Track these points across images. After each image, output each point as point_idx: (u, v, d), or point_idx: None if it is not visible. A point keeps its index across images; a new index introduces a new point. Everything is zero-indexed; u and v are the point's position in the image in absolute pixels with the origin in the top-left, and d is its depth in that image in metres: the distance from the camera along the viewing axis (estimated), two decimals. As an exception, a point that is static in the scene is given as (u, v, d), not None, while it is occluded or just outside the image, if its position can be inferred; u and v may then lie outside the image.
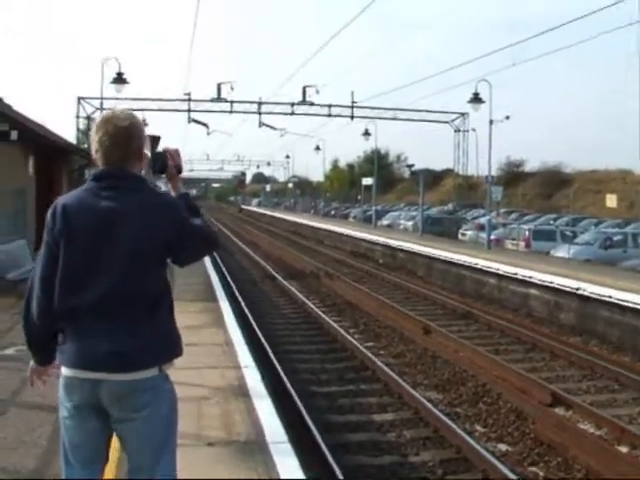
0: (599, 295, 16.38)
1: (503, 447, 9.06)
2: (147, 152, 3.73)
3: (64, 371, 3.48)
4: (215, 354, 9.58)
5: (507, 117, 33.24)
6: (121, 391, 3.39)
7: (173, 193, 3.80)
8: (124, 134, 3.54)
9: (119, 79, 32.00)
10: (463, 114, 46.75)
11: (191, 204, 3.75)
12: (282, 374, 11.45)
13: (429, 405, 10.23)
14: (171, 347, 3.55)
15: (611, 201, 33.06)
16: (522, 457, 8.68)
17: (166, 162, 3.81)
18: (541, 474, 8.20)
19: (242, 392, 7.75)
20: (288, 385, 10.86)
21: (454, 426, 9.34)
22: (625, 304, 15.43)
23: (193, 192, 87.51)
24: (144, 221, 3.43)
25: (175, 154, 3.86)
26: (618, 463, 8.16)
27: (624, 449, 8.90)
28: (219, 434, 6.31)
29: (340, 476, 7.56)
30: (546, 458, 8.62)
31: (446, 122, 48.22)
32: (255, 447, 5.97)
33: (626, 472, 7.88)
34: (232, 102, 44.07)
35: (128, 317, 3.39)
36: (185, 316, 12.16)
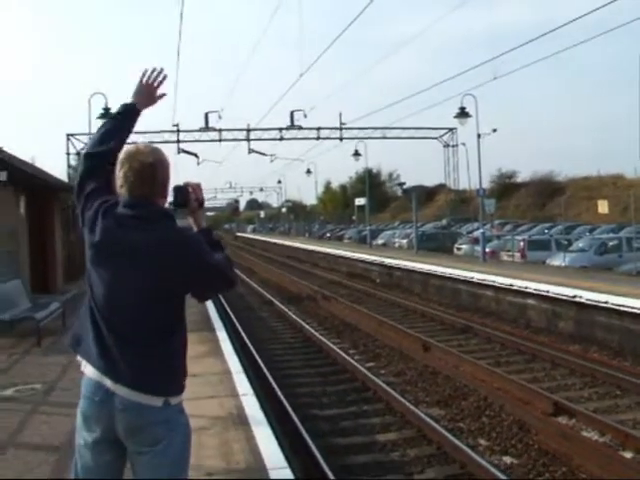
0: (596, 301, 16.37)
1: (508, 460, 9.01)
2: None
3: (84, 368, 3.54)
4: (213, 384, 9.53)
5: (494, 130, 33.45)
6: (137, 423, 3.42)
7: (195, 228, 3.80)
8: (149, 170, 3.55)
9: (106, 114, 32.08)
10: (451, 129, 46.98)
11: (213, 239, 3.76)
12: (283, 400, 11.41)
13: (432, 422, 10.19)
14: (176, 382, 3.57)
15: (602, 207, 33.10)
16: (527, 469, 8.63)
17: (187, 196, 3.77)
18: (547, 485, 8.16)
19: (241, 420, 7.71)
20: (290, 410, 10.81)
21: (457, 442, 9.30)
22: (622, 309, 15.43)
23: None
24: (160, 260, 3.45)
25: (197, 188, 3.83)
26: (622, 469, 8.13)
27: (629, 454, 8.87)
28: (218, 464, 6.27)
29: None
30: (551, 468, 8.57)
31: (435, 138, 48.43)
32: (255, 474, 5.93)
33: (631, 477, 7.85)
34: (220, 130, 44.27)
35: (141, 344, 3.45)
36: (183, 347, 12.18)
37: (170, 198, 3.77)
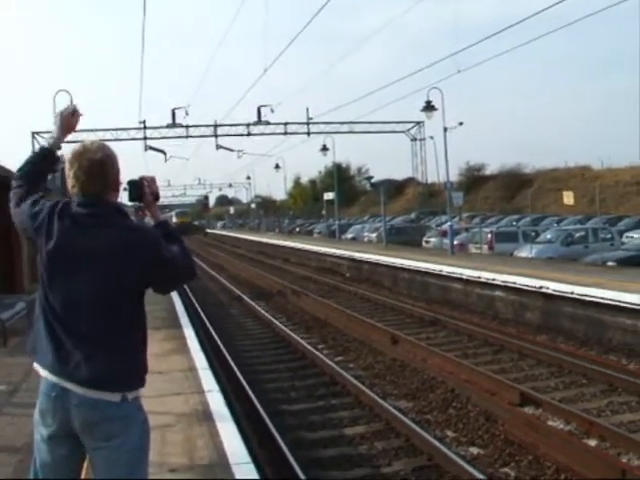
0: (562, 292, 16.51)
1: (474, 450, 9.05)
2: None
3: (39, 370, 3.54)
4: (179, 381, 9.49)
5: (460, 123, 33.60)
6: (92, 418, 3.42)
7: (152, 221, 3.85)
8: (99, 167, 3.56)
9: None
10: (418, 123, 47.10)
11: (170, 231, 3.80)
12: (252, 395, 11.37)
13: (399, 415, 10.21)
14: (135, 377, 3.57)
15: (568, 198, 33.43)
16: (493, 459, 8.68)
17: (142, 190, 3.82)
18: (512, 474, 8.20)
19: (205, 417, 7.68)
20: (258, 405, 10.78)
21: (425, 434, 9.33)
22: (587, 299, 15.57)
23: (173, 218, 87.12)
24: (117, 259, 3.47)
25: (152, 182, 3.89)
26: (587, 457, 8.21)
27: (593, 442, 8.95)
28: (182, 460, 6.24)
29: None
30: (517, 458, 8.63)
31: (402, 132, 48.54)
32: (218, 470, 5.91)
33: (595, 465, 7.92)
34: (187, 127, 44.05)
35: (99, 341, 3.45)
36: (150, 345, 12.08)
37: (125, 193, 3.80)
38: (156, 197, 3.88)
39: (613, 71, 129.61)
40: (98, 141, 3.75)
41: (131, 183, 3.85)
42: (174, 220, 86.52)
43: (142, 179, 3.86)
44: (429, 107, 30.94)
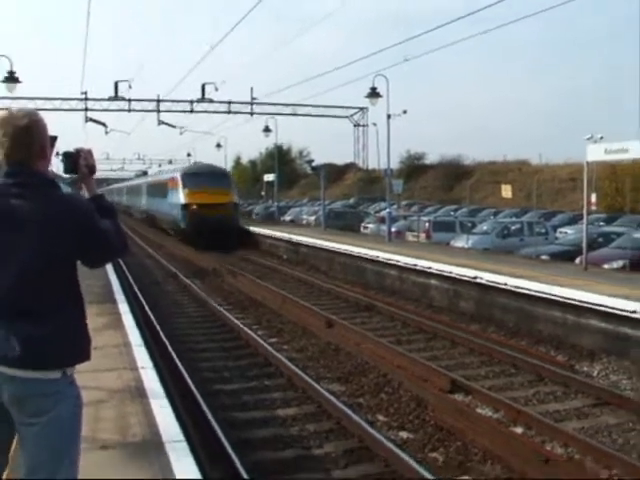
0: (495, 283, 16.80)
1: (404, 435, 9.19)
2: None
3: None
4: (113, 356, 9.39)
5: (404, 111, 33.83)
6: (22, 393, 3.35)
7: (87, 194, 3.81)
8: (24, 133, 3.49)
9: (10, 78, 30.93)
10: (362, 109, 47.18)
11: (104, 205, 3.77)
12: (185, 373, 11.34)
13: (332, 398, 10.30)
14: (77, 350, 3.54)
15: (506, 191, 33.97)
16: (423, 444, 8.83)
17: (77, 162, 3.79)
18: (441, 459, 8.36)
19: (139, 393, 7.63)
20: (191, 384, 10.75)
21: (356, 417, 9.44)
22: (520, 290, 15.88)
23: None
24: (49, 228, 3.41)
25: (88, 154, 3.86)
26: (513, 444, 8.41)
27: (519, 430, 9.17)
28: (114, 437, 6.20)
29: (243, 472, 7.53)
30: (446, 443, 8.80)
31: (345, 117, 48.58)
32: (151, 447, 5.89)
33: (520, 452, 8.13)
34: (130, 100, 43.38)
35: (33, 317, 3.37)
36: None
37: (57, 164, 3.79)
38: (92, 170, 3.87)
39: (559, 68, 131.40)
40: (27, 108, 3.70)
41: (66, 155, 3.84)
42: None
43: (78, 151, 3.83)
44: (374, 94, 30.99)
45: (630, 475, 7.66)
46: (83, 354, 3.58)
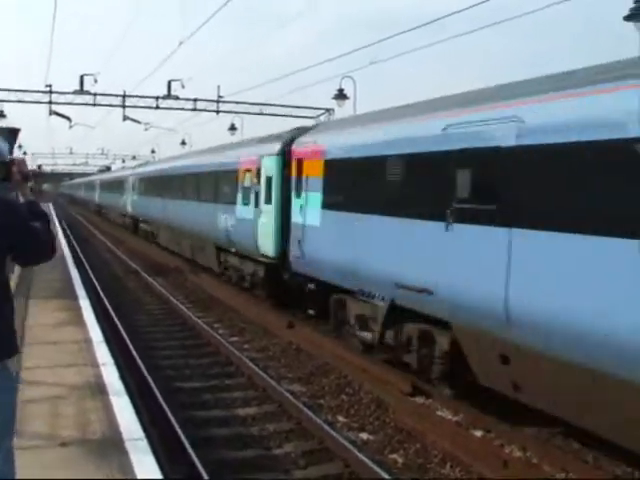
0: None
1: (364, 436, 9.22)
2: None
3: None
4: (73, 352, 9.31)
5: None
6: None
7: (22, 199, 4.09)
8: None
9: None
10: (328, 110, 47.22)
11: (37, 210, 4.02)
12: (145, 371, 11.26)
13: (291, 398, 10.30)
14: (10, 343, 3.71)
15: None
16: (383, 445, 8.86)
17: (11, 170, 4.08)
18: (400, 460, 8.40)
19: (99, 390, 7.58)
20: (151, 382, 10.69)
21: (315, 418, 9.45)
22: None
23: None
24: None
25: (22, 163, 4.20)
26: (471, 446, 8.49)
27: (478, 433, 9.23)
28: (73, 434, 6.14)
29: (202, 471, 7.50)
30: (405, 445, 8.84)
31: (312, 117, 48.59)
32: (111, 445, 5.84)
33: (478, 453, 8.21)
34: (95, 94, 42.88)
35: None
36: (43, 314, 11.83)
37: None
38: (25, 177, 4.17)
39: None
40: None
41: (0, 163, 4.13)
42: None
43: (12, 160, 4.15)
44: (341, 95, 31.03)
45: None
46: (15, 347, 3.79)
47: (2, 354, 3.64)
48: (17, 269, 13.76)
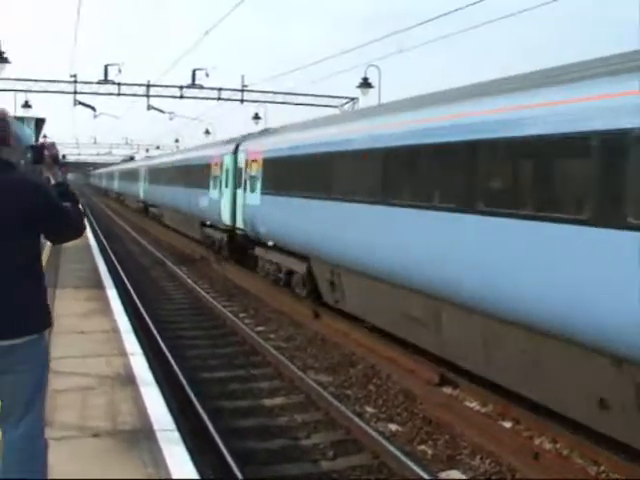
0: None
1: (393, 427, 9.17)
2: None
3: None
4: (101, 342, 9.32)
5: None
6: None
7: (52, 181, 4.36)
8: None
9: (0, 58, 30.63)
10: (353, 99, 47.02)
11: (67, 191, 4.30)
12: (172, 361, 11.28)
13: (319, 388, 10.27)
14: (44, 316, 3.92)
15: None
16: (411, 436, 8.82)
17: (42, 154, 4.39)
18: (430, 452, 8.35)
19: (129, 380, 7.57)
20: (178, 372, 10.70)
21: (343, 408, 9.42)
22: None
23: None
24: (14, 200, 3.78)
25: (51, 147, 4.50)
26: (501, 437, 8.43)
27: (508, 424, 9.16)
28: (105, 424, 6.13)
29: (230, 461, 7.50)
30: (434, 436, 8.79)
31: (336, 107, 48.43)
32: (142, 436, 5.83)
33: (508, 444, 8.15)
34: (120, 84, 42.97)
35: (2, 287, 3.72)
36: (71, 303, 11.86)
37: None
38: (55, 160, 4.45)
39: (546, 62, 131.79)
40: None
41: (32, 148, 4.48)
42: None
43: (42, 144, 4.49)
44: (365, 84, 30.89)
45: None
46: (49, 319, 4.02)
47: (39, 325, 3.87)
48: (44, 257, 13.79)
